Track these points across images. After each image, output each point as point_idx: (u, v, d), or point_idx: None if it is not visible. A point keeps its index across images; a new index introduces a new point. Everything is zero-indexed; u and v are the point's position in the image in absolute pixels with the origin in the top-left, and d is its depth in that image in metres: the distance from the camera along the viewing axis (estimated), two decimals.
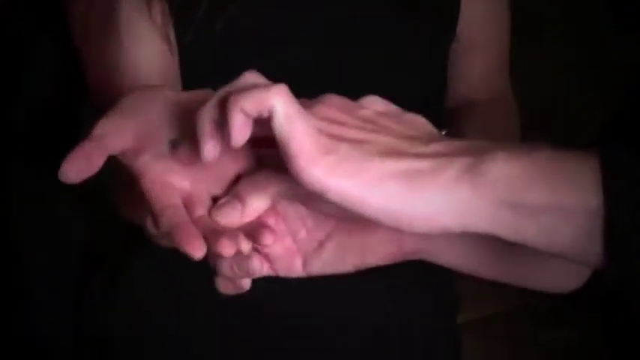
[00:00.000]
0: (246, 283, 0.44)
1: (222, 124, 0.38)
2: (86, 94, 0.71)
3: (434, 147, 0.36)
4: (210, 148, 0.39)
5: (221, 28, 0.65)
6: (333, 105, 0.40)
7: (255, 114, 0.36)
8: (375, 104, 0.41)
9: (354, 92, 0.42)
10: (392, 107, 0.41)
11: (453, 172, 0.34)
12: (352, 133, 0.37)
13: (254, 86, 0.37)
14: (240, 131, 0.37)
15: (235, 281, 0.43)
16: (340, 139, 0.37)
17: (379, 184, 0.35)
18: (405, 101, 0.43)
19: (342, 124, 0.38)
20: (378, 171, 0.35)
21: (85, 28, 0.65)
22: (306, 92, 0.56)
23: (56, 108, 0.99)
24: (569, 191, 0.33)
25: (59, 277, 1.09)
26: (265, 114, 0.36)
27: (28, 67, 1.04)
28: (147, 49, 0.64)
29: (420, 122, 0.41)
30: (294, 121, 0.36)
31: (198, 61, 0.67)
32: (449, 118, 0.76)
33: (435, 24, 0.71)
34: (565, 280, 0.44)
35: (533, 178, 0.33)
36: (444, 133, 0.48)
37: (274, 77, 0.60)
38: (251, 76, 0.39)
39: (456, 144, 0.36)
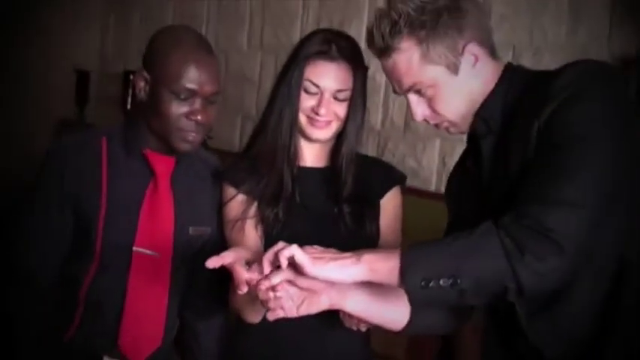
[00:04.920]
0: (280, 313, 1.30)
1: (274, 262, 1.28)
2: None
3: (345, 256, 1.24)
4: (270, 273, 1.28)
5: (286, 236, 1.46)
6: (312, 250, 1.26)
7: (289, 256, 1.24)
8: (316, 248, 1.27)
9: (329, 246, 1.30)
10: (321, 248, 1.27)
11: (354, 264, 1.22)
12: (319, 255, 1.24)
13: (285, 248, 1.24)
14: (285, 262, 1.24)
15: (275, 311, 1.30)
16: (318, 258, 1.23)
17: (335, 271, 1.22)
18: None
19: (315, 254, 1.24)
20: (334, 268, 1.22)
21: (228, 232, 1.68)
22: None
23: None
24: (388, 274, 1.20)
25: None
26: (291, 255, 1.23)
27: None
28: (251, 239, 1.63)
29: (332, 249, 1.27)
30: (303, 256, 1.23)
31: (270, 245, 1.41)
32: None
33: (373, 235, 1.70)
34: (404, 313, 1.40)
35: (377, 268, 1.21)
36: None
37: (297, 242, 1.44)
38: (282, 244, 1.26)
39: (349, 255, 1.24)
